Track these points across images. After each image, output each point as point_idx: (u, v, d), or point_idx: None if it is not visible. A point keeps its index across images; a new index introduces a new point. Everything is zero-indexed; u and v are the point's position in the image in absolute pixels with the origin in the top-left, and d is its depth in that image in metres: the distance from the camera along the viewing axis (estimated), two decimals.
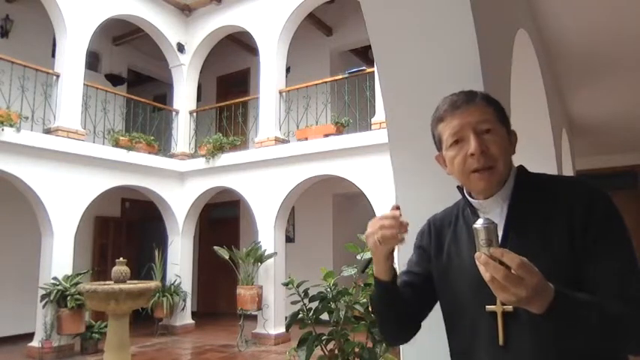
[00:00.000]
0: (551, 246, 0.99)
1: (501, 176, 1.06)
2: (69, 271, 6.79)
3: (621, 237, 0.97)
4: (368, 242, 1.09)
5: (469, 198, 1.13)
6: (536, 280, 0.82)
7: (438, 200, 1.27)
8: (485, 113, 1.07)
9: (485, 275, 0.84)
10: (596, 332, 0.89)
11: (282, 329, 7.17)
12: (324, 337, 3.09)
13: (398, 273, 1.18)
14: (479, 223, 0.87)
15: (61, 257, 6.77)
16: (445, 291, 1.17)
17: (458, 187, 1.16)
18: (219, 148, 8.25)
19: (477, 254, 0.86)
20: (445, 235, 1.18)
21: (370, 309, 1.21)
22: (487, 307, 1.00)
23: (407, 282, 1.21)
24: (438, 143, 1.15)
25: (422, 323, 1.22)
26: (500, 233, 1.06)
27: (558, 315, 0.86)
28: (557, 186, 1.06)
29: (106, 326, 5.87)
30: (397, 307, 1.17)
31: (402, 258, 1.36)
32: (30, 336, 6.74)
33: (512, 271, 0.81)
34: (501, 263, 0.82)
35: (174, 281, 8.27)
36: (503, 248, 0.85)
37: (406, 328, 1.22)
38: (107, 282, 4.56)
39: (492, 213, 1.08)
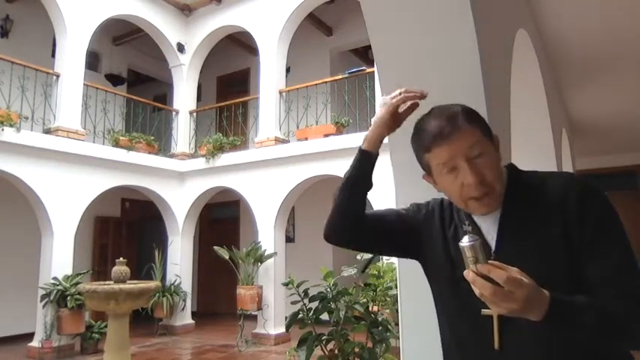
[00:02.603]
0: (547, 246, 0.98)
1: (499, 197, 1.04)
2: (69, 271, 6.79)
3: (616, 235, 0.96)
4: (386, 109, 1.19)
5: None
6: (527, 293, 0.82)
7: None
8: (472, 136, 1.02)
9: (476, 291, 0.85)
10: (596, 333, 0.89)
11: (282, 329, 7.17)
12: (324, 337, 3.09)
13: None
14: (464, 241, 0.87)
15: (61, 257, 6.76)
16: (441, 289, 1.17)
17: None
18: (219, 148, 8.25)
19: (465, 272, 0.87)
20: (447, 227, 1.17)
21: (338, 191, 1.20)
22: (483, 310, 0.98)
23: (381, 213, 1.27)
24: (426, 169, 1.11)
25: (421, 323, 1.22)
26: (494, 236, 1.06)
27: (556, 321, 0.86)
28: (549, 184, 1.04)
29: (106, 326, 5.86)
30: (366, 188, 1.22)
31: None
32: (30, 336, 6.73)
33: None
34: (490, 279, 0.83)
35: (174, 281, 8.27)
36: (492, 262, 0.85)
37: (355, 221, 1.22)
38: (107, 282, 4.56)
39: (485, 216, 1.08)
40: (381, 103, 1.21)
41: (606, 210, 0.98)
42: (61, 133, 6.93)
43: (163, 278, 8.23)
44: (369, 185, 1.23)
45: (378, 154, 1.22)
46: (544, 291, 0.85)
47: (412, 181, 1.62)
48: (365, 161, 1.20)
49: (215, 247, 7.62)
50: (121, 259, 4.58)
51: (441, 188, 1.11)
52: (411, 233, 1.21)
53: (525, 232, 1.02)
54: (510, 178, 1.08)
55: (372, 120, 1.21)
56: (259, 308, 7.38)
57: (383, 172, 1.53)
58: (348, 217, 1.22)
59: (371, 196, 1.24)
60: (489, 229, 1.07)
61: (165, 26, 8.80)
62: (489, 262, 0.85)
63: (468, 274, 0.86)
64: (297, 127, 7.93)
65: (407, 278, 1.69)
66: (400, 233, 1.23)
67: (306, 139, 7.57)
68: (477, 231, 1.08)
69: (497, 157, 1.06)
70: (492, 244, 1.06)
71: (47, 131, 6.92)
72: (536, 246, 1.00)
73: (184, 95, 9.08)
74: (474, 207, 1.05)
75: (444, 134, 1.02)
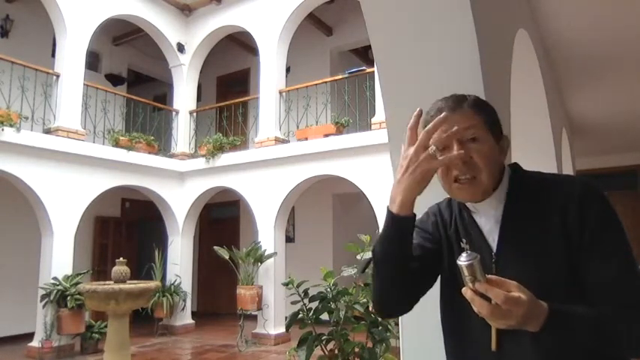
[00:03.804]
0: (548, 248, 0.98)
1: (484, 187, 1.02)
2: (69, 271, 6.79)
3: (616, 236, 0.96)
4: (418, 163, 0.97)
5: None
6: (524, 310, 0.82)
7: (437, 200, 1.27)
8: (471, 120, 1.02)
9: (474, 308, 0.85)
10: (595, 340, 0.89)
11: (282, 329, 7.17)
12: (324, 337, 3.09)
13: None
14: (462, 260, 0.87)
15: (61, 257, 6.76)
16: (445, 287, 1.17)
17: None
18: (219, 148, 8.25)
19: (463, 289, 0.87)
20: (448, 228, 1.16)
21: (374, 264, 1.04)
22: None
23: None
24: None
25: (421, 323, 1.22)
26: (495, 238, 1.05)
27: (554, 331, 0.86)
28: (551, 186, 1.04)
29: (106, 326, 5.86)
30: (408, 256, 1.04)
31: None
32: (30, 336, 6.73)
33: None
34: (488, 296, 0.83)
35: (174, 281, 8.26)
36: (490, 278, 0.84)
37: (409, 292, 1.09)
38: (107, 282, 4.56)
39: (487, 215, 1.07)
40: (403, 155, 1.03)
41: (606, 211, 0.97)
42: (61, 133, 6.92)
43: (163, 278, 8.22)
44: (410, 255, 1.05)
45: (415, 215, 1.02)
46: (542, 303, 0.85)
47: None
48: (403, 230, 1.02)
49: (215, 247, 7.62)
50: (121, 259, 4.58)
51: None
52: (434, 247, 1.16)
53: (526, 234, 1.02)
54: (513, 177, 1.08)
55: (397, 179, 1.01)
56: (259, 308, 7.38)
57: (383, 172, 1.53)
58: (397, 294, 1.10)
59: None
60: (491, 230, 1.07)
61: (165, 26, 8.79)
62: (488, 277, 0.85)
63: (467, 292, 0.86)
64: (297, 127, 7.92)
65: None
66: (432, 258, 1.14)
67: (306, 139, 7.57)
68: (477, 233, 1.08)
69: (497, 153, 1.05)
70: (494, 245, 1.06)
71: (47, 131, 6.92)
72: (537, 248, 0.99)
73: (184, 95, 9.08)
74: (455, 190, 1.04)
75: (445, 109, 1.02)
